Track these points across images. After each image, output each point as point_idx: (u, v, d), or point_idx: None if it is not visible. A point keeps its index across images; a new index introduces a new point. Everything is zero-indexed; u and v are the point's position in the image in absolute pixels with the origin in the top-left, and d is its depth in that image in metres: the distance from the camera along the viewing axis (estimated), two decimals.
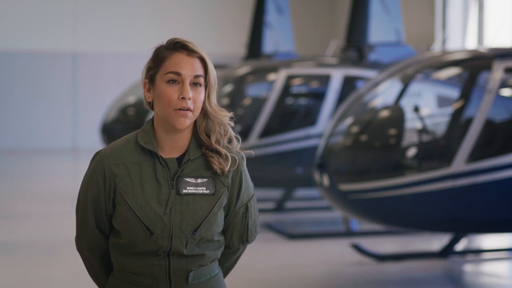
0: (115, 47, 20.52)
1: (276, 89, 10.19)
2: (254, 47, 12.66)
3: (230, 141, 2.63)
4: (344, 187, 7.15)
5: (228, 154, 2.59)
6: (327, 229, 9.44)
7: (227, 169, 2.58)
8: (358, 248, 7.78)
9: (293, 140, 10.01)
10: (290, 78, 10.38)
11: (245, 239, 2.70)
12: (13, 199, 12.05)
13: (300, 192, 11.81)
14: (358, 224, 9.18)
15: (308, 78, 10.79)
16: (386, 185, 6.94)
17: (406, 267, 7.59)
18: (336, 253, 8.26)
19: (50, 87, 20.14)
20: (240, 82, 10.58)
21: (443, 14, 16.80)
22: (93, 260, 2.71)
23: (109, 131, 13.57)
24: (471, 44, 16.13)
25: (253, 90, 11.07)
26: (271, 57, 12.45)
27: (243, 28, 18.54)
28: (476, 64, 7.50)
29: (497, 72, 7.03)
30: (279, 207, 10.85)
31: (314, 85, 10.93)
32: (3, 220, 10.19)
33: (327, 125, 8.89)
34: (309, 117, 10.38)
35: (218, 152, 2.59)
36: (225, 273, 2.77)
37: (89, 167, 2.67)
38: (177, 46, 2.57)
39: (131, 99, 14.23)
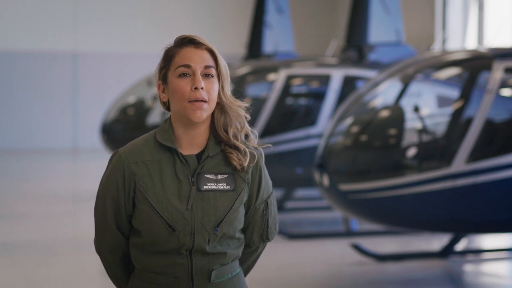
0: (115, 47, 20.52)
1: (276, 89, 10.19)
2: (254, 47, 12.66)
3: (247, 136, 2.62)
4: (344, 187, 7.15)
5: (247, 150, 2.58)
6: (327, 229, 9.44)
7: (246, 164, 2.57)
8: (358, 248, 7.78)
9: (293, 140, 10.01)
10: (290, 78, 10.39)
11: (265, 237, 2.68)
12: (13, 199, 12.05)
13: (300, 192, 11.81)
14: (358, 224, 9.18)
15: (308, 78, 10.80)
16: (386, 185, 6.94)
17: (406, 267, 7.59)
18: (336, 253, 8.26)
19: (50, 87, 20.15)
20: (240, 82, 10.58)
21: (443, 14, 16.80)
22: (114, 262, 2.67)
23: (109, 131, 13.56)
24: (471, 44, 16.13)
25: (253, 90, 11.08)
26: (271, 57, 12.44)
27: (243, 28, 18.54)
28: (476, 64, 7.50)
29: (497, 72, 7.03)
30: (279, 207, 10.85)
31: (314, 85, 10.93)
32: (3, 220, 10.19)
33: (327, 125, 8.89)
34: (309, 117, 10.38)
35: (236, 148, 2.58)
36: (245, 272, 2.75)
37: (107, 167, 2.62)
38: (184, 42, 2.57)
39: (131, 99, 14.23)
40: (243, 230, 2.65)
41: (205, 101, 2.52)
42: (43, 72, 20.07)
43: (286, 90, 10.31)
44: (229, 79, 2.60)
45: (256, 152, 2.62)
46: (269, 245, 2.76)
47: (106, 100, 18.29)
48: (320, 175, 7.42)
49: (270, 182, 2.69)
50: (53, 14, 20.09)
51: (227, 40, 20.58)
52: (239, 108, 2.59)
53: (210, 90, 2.53)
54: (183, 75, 2.53)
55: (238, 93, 10.57)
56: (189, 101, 2.51)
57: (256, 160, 2.61)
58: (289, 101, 10.57)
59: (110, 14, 20.53)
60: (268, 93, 10.29)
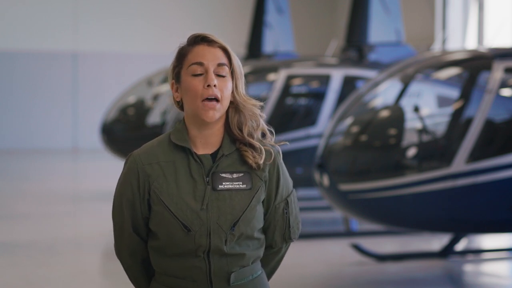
0: (115, 47, 20.52)
1: (276, 89, 10.19)
2: (254, 47, 12.66)
3: (263, 135, 2.58)
4: (344, 187, 7.15)
5: (262, 147, 2.55)
6: (327, 229, 9.44)
7: (261, 162, 2.53)
8: (358, 248, 7.78)
9: (293, 140, 10.01)
10: (290, 78, 10.39)
11: (287, 237, 2.63)
12: (13, 199, 12.05)
13: (300, 192, 11.81)
14: (358, 224, 9.18)
15: (308, 78, 10.79)
16: (386, 185, 6.94)
17: (406, 267, 7.59)
18: (336, 253, 8.26)
19: (50, 87, 20.15)
20: None
21: (443, 14, 16.80)
22: (134, 266, 2.63)
23: (109, 131, 13.56)
24: (471, 44, 16.13)
25: (253, 90, 11.07)
26: (271, 57, 12.44)
27: (243, 28, 18.54)
28: (476, 64, 7.50)
29: (497, 72, 7.03)
30: None
31: (314, 85, 10.92)
32: (3, 220, 10.19)
33: (327, 125, 8.89)
34: (309, 117, 10.37)
35: (251, 146, 2.54)
36: (270, 274, 2.71)
37: (122, 170, 2.60)
38: (197, 40, 2.56)
39: (131, 99, 14.23)
40: (264, 231, 2.60)
41: (218, 100, 2.49)
42: (43, 72, 20.06)
43: (286, 90, 10.30)
44: (243, 78, 2.57)
45: (273, 149, 2.58)
46: (292, 243, 2.70)
47: (106, 100, 18.29)
48: (320, 175, 7.42)
49: (290, 180, 2.65)
50: (53, 14, 20.09)
51: (227, 40, 20.42)
52: (254, 107, 2.55)
53: (223, 88, 2.50)
54: (196, 74, 2.50)
55: None
56: (202, 100, 2.48)
57: (273, 157, 2.56)
58: (289, 101, 10.57)
59: (110, 14, 20.53)
60: (268, 93, 10.29)
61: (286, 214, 2.61)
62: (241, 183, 2.52)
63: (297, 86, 10.77)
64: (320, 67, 10.79)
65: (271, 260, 2.68)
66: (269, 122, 10.42)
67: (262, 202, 2.57)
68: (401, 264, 7.67)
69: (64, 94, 20.25)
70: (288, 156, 9.93)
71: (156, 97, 13.79)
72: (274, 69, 10.51)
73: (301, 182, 10.16)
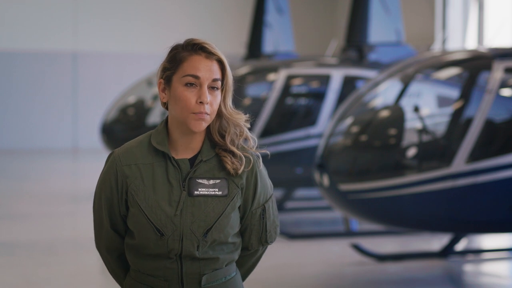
0: (115, 47, 20.52)
1: (276, 89, 10.19)
2: (254, 47, 12.66)
3: (245, 140, 2.60)
4: (344, 187, 7.15)
5: (242, 155, 2.56)
6: (327, 229, 9.44)
7: (241, 169, 2.55)
8: (358, 248, 7.78)
9: (293, 140, 10.01)
10: (290, 78, 10.38)
11: (264, 240, 2.66)
12: (13, 199, 12.05)
13: (300, 192, 11.81)
14: (358, 224, 9.18)
15: (308, 78, 10.79)
16: (386, 185, 6.94)
17: (406, 267, 7.59)
18: (336, 253, 8.26)
19: (50, 87, 20.14)
20: (240, 82, 10.58)
21: (443, 14, 16.79)
22: (111, 260, 2.69)
23: (109, 131, 13.56)
24: (471, 44, 16.13)
25: (253, 90, 11.07)
26: (271, 57, 12.44)
27: (243, 28, 18.55)
28: (476, 64, 7.50)
29: (497, 72, 7.03)
30: (279, 207, 10.85)
31: (314, 85, 10.92)
32: (3, 220, 10.19)
33: (327, 125, 8.89)
34: (309, 117, 10.37)
35: (231, 152, 2.56)
36: (245, 275, 2.73)
37: (103, 168, 2.64)
38: (195, 48, 2.53)
39: (131, 99, 14.23)
40: (241, 234, 2.63)
41: (207, 114, 2.50)
42: (43, 72, 20.06)
43: (286, 90, 10.30)
44: (232, 91, 2.58)
45: (253, 156, 2.60)
46: (269, 245, 2.75)
47: (106, 100, 18.29)
48: (320, 175, 7.42)
49: (269, 185, 2.65)
50: (53, 14, 20.09)
51: (227, 40, 20.56)
52: (239, 119, 2.57)
53: (213, 103, 2.52)
54: (189, 84, 2.50)
55: (238, 92, 10.57)
56: (192, 113, 2.49)
57: (251, 164, 2.58)
58: (289, 101, 10.57)
59: (110, 14, 20.52)
60: (268, 93, 10.29)
61: (263, 219, 2.63)
62: (217, 189, 2.53)
63: (297, 86, 10.76)
64: (320, 67, 10.79)
65: (247, 262, 2.72)
66: (269, 122, 10.35)
67: (239, 207, 2.58)
68: (401, 264, 7.67)
69: (64, 94, 20.25)
70: (288, 156, 9.98)
71: (156, 97, 13.77)
72: (274, 69, 10.51)
73: (301, 182, 10.17)
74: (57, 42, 20.12)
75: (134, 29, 20.57)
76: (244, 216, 2.60)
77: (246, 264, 2.72)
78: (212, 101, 2.51)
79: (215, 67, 2.52)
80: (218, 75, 2.52)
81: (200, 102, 2.49)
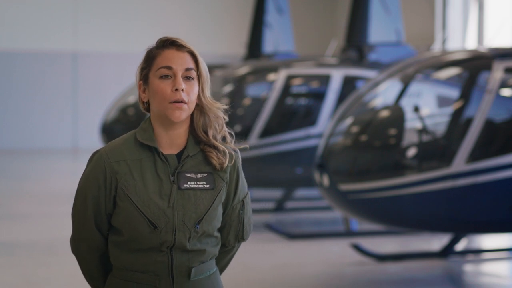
0: (115, 47, 20.52)
1: (276, 89, 10.19)
2: (254, 47, 12.66)
3: (224, 138, 2.68)
4: (344, 187, 7.15)
5: (226, 150, 2.64)
6: (327, 229, 9.44)
7: (226, 163, 2.63)
8: (358, 248, 7.78)
9: (293, 140, 10.01)
10: (290, 78, 10.38)
11: (240, 237, 2.74)
12: (13, 199, 12.05)
13: (300, 192, 11.81)
14: (358, 224, 9.18)
15: (308, 78, 10.79)
16: (386, 185, 6.94)
17: (406, 267, 7.59)
18: (336, 253, 8.26)
19: (50, 87, 20.14)
20: (240, 82, 10.58)
21: (443, 14, 16.80)
22: (91, 262, 2.70)
23: (109, 131, 13.56)
24: (471, 44, 16.13)
25: (253, 90, 11.07)
26: (271, 57, 12.44)
27: (243, 28, 18.54)
28: (476, 64, 7.50)
29: (497, 72, 7.03)
30: (279, 207, 10.85)
31: (314, 85, 10.92)
32: (3, 220, 10.19)
33: (327, 125, 8.89)
34: (309, 117, 10.37)
35: (216, 148, 2.64)
36: (220, 271, 2.79)
37: (86, 167, 2.70)
38: (166, 43, 2.64)
39: (131, 99, 14.23)
40: (220, 230, 2.70)
41: (185, 102, 2.57)
42: (43, 72, 20.06)
43: (286, 90, 10.30)
44: (209, 82, 2.66)
45: (234, 152, 2.68)
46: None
47: (106, 100, 18.28)
48: (320, 175, 7.42)
49: (245, 183, 2.75)
50: (53, 14, 20.09)
51: (227, 40, 20.57)
52: (218, 110, 2.64)
53: (190, 92, 2.58)
54: (164, 76, 2.59)
55: (238, 93, 10.57)
56: (170, 102, 2.57)
57: (234, 160, 2.67)
58: (289, 101, 10.57)
59: (110, 14, 20.52)
60: (268, 93, 10.29)
61: (241, 214, 2.72)
62: (205, 183, 2.61)
63: (297, 86, 10.77)
64: (320, 67, 10.79)
65: (223, 258, 2.79)
66: (269, 122, 10.35)
67: (222, 202, 2.67)
68: (401, 264, 7.67)
69: (64, 94, 20.25)
70: (288, 156, 9.99)
71: None
72: (274, 69, 10.51)
73: (301, 182, 10.17)
74: (57, 42, 20.13)
75: (134, 29, 20.57)
76: (225, 211, 2.69)
77: (222, 261, 2.79)
78: (189, 90, 2.58)
79: (187, 58, 2.61)
80: (191, 64, 2.60)
81: (176, 90, 2.56)
